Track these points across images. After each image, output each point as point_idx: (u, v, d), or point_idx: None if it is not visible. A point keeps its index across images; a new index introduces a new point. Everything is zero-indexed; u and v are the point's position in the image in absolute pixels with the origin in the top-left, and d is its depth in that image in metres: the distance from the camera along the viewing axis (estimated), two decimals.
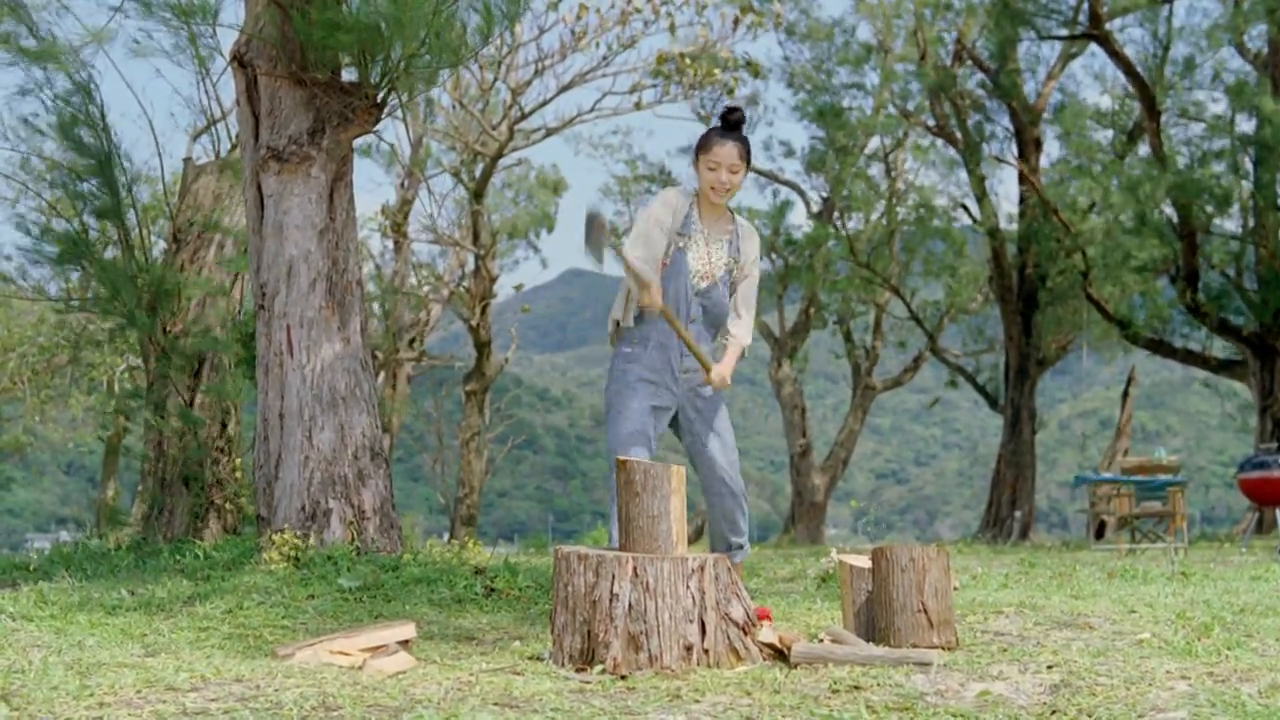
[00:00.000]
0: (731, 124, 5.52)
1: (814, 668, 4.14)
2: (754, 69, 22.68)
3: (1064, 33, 23.35)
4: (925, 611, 4.55)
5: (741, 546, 5.73)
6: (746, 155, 5.52)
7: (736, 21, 20.04)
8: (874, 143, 28.19)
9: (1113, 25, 22.63)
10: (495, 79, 22.33)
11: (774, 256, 29.80)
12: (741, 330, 5.74)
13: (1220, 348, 25.71)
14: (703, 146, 5.52)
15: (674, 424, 5.73)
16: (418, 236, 26.70)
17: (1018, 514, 24.98)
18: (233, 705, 3.44)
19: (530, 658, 4.43)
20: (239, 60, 8.09)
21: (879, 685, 3.82)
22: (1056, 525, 62.41)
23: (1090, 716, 3.44)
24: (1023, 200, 25.99)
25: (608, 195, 31.37)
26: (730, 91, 23.37)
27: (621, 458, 4.60)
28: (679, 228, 5.54)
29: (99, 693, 3.58)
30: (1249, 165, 22.82)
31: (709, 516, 5.77)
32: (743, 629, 4.33)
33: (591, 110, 21.70)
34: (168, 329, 10.13)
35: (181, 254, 10.51)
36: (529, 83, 21.64)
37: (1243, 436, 33.18)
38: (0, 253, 42.06)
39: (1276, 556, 12.25)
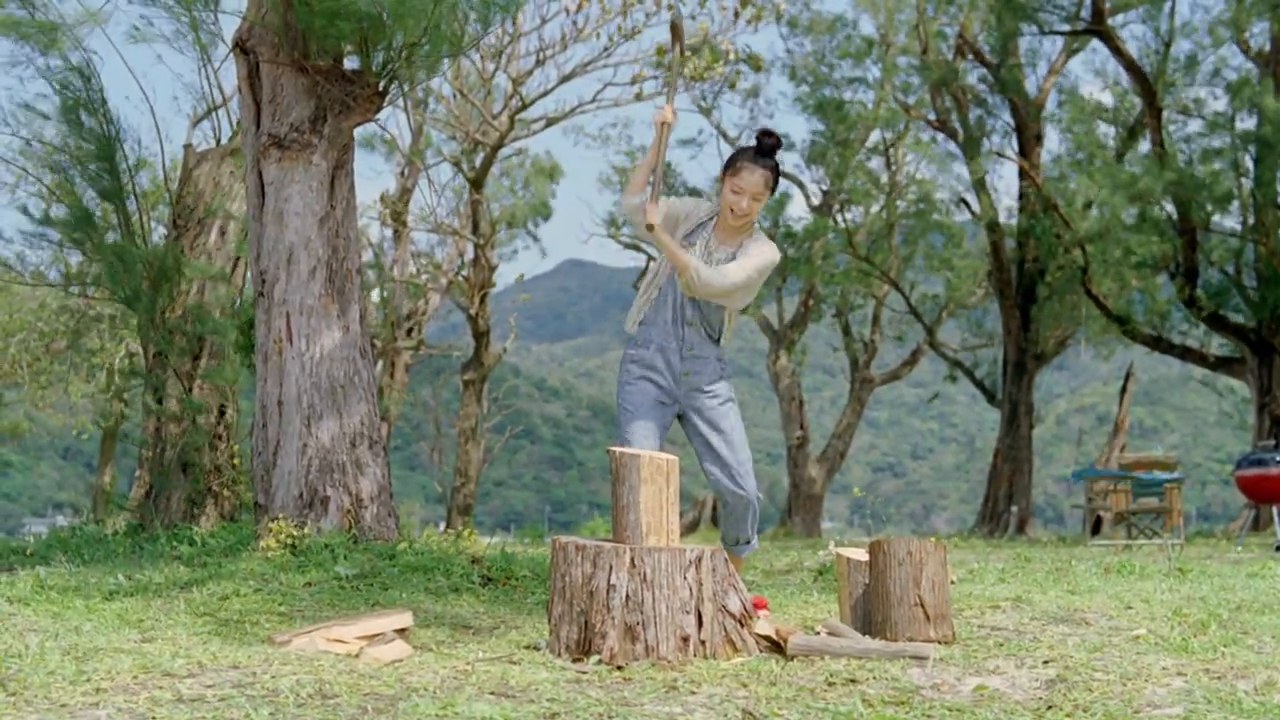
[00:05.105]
0: (765, 150, 5.33)
1: (810, 660, 4.14)
2: (755, 63, 22.64)
3: (1066, 28, 23.32)
4: (922, 605, 4.55)
5: (748, 541, 5.68)
6: (774, 184, 5.36)
7: (737, 15, 19.99)
8: (874, 136, 28.18)
9: (1115, 21, 22.61)
10: (496, 69, 22.29)
11: None
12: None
13: (1218, 345, 25.70)
14: (731, 167, 5.34)
15: (683, 427, 5.66)
16: (417, 225, 26.69)
17: (1014, 509, 25.00)
18: (229, 692, 3.44)
19: (527, 647, 4.44)
20: (241, 47, 8.08)
21: (875, 678, 3.83)
22: (1052, 520, 62.45)
23: (1086, 712, 3.45)
24: (1022, 195, 25.97)
25: (607, 186, 31.40)
26: (732, 85, 23.35)
27: (610, 447, 4.59)
28: (688, 230, 5.42)
29: (95, 678, 3.58)
30: (1249, 163, 22.80)
31: (720, 513, 5.67)
32: (739, 621, 4.33)
33: (592, 101, 21.69)
34: (166, 313, 10.12)
35: (181, 240, 10.49)
36: (530, 73, 21.62)
37: (1240, 434, 33.21)
38: (0, 236, 42.00)
39: (1274, 553, 12.26)
